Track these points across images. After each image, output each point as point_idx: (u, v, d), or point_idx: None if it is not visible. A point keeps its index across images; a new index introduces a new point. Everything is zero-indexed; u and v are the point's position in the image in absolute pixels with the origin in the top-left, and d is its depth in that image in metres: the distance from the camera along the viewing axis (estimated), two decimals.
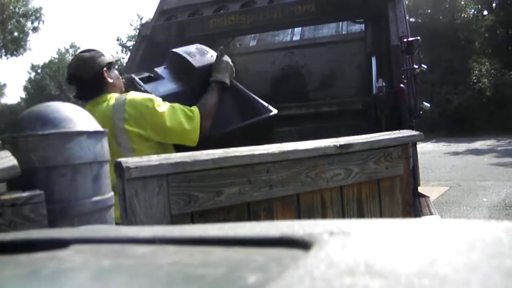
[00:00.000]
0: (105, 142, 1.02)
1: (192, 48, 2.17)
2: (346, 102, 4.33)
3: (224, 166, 1.22)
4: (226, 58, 2.04)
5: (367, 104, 3.99)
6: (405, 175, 1.65)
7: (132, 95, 1.77)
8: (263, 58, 5.15)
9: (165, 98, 1.84)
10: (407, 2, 16.87)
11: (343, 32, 5.32)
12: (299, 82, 4.88)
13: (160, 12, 4.79)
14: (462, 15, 23.03)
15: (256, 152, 1.28)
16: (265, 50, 5.28)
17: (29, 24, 21.49)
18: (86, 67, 1.81)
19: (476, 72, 20.05)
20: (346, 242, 0.32)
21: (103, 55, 1.89)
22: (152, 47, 4.44)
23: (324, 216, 1.44)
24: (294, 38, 5.44)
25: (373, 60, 4.12)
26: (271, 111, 2.22)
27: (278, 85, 4.86)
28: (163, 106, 1.73)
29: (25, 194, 0.86)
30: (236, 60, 5.58)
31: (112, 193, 1.03)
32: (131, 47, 18.43)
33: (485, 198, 5.97)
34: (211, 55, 2.09)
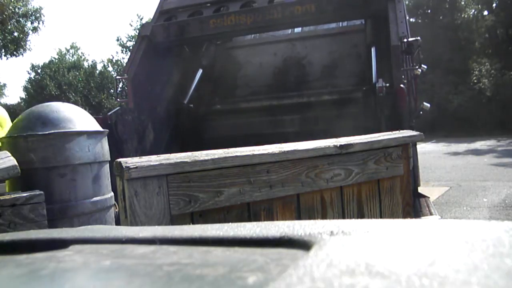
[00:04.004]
0: (105, 142, 1.02)
1: None
2: (346, 90, 4.39)
3: (224, 166, 1.22)
4: None
5: (366, 92, 4.05)
6: (405, 175, 1.65)
7: None
8: (265, 50, 5.23)
9: None
10: (407, 2, 16.87)
11: (344, 25, 5.37)
12: (300, 72, 4.96)
13: (160, 12, 4.79)
14: (462, 15, 23.03)
15: (256, 153, 1.28)
16: (267, 42, 5.34)
17: (29, 24, 21.49)
18: None
19: (476, 72, 20.05)
20: (346, 242, 0.32)
21: None
22: (152, 47, 4.44)
23: (324, 216, 1.44)
24: (295, 31, 5.49)
25: (373, 50, 4.17)
26: None
27: (280, 75, 4.94)
28: None
29: (25, 194, 0.86)
30: (239, 52, 5.66)
31: (112, 193, 1.03)
32: (131, 47, 18.42)
33: (485, 199, 5.96)
34: None
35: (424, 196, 3.01)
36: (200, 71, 5.04)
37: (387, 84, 3.55)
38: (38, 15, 21.66)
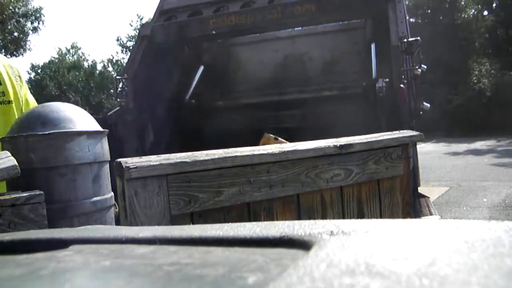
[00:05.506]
0: (105, 142, 1.02)
1: None
2: (346, 86, 4.44)
3: (224, 166, 1.22)
4: None
5: (366, 88, 4.09)
6: (405, 175, 1.65)
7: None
8: (266, 47, 5.30)
9: None
10: (407, 2, 16.86)
11: (344, 22, 5.41)
12: (301, 69, 5.02)
13: (160, 12, 4.80)
14: (462, 15, 23.03)
15: (256, 152, 1.28)
16: (268, 39, 5.39)
17: (29, 24, 21.49)
18: None
19: (476, 72, 20.05)
20: (346, 242, 0.32)
21: None
22: (152, 47, 4.45)
23: (324, 216, 1.44)
24: (296, 28, 5.53)
25: (372, 46, 4.20)
26: None
27: (281, 72, 5.00)
28: None
29: (25, 194, 0.86)
30: (240, 49, 5.73)
31: (112, 193, 1.03)
32: (131, 47, 18.44)
33: (485, 199, 5.96)
34: None
35: (424, 196, 3.00)
36: (202, 68, 5.10)
37: (387, 79, 3.57)
38: (38, 15, 21.65)
